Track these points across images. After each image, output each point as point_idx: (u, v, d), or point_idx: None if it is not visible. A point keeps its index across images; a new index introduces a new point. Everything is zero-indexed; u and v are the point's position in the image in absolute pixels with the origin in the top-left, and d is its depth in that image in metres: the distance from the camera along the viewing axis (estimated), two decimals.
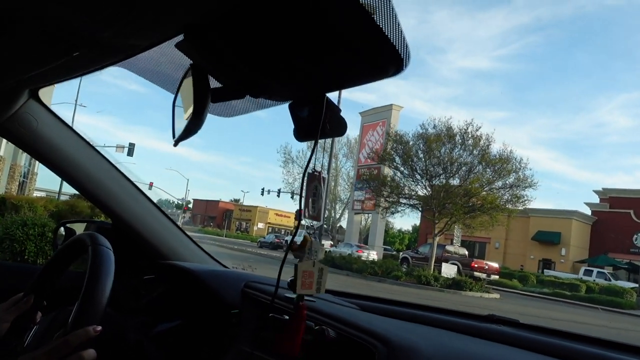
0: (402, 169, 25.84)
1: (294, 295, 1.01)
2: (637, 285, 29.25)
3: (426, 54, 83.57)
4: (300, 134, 0.92)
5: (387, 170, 27.00)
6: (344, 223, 46.64)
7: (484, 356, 1.13)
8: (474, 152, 24.07)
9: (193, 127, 0.82)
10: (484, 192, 23.36)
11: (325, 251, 27.34)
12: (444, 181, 24.35)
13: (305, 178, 0.94)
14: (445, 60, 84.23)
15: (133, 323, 1.47)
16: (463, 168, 24.20)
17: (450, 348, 1.14)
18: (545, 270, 37.87)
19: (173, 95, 0.93)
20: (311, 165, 0.94)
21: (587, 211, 43.86)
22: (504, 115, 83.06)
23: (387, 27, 0.63)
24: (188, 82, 0.83)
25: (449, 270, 23.20)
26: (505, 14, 78.71)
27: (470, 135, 24.11)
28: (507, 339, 1.30)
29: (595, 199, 45.15)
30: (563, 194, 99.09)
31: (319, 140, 0.89)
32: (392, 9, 0.62)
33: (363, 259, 26.62)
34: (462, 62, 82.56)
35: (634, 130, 76.96)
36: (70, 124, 1.67)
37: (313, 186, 0.95)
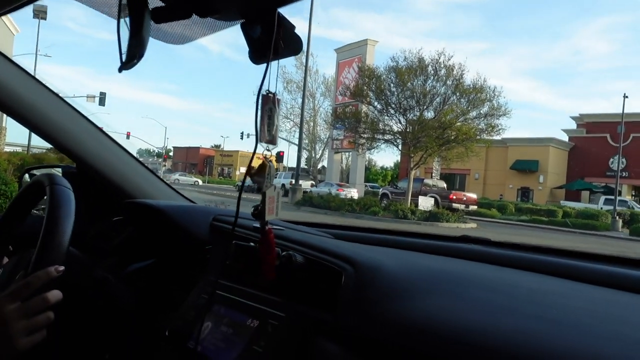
0: (375, 104, 25.38)
1: (258, 224, 1.01)
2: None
3: None
4: (255, 56, 0.88)
5: (364, 107, 26.54)
6: (325, 163, 46.53)
7: (451, 271, 1.14)
8: (447, 82, 23.72)
9: (135, 50, 0.78)
10: (459, 123, 23.13)
11: (304, 191, 27.37)
12: (418, 114, 23.96)
13: (260, 101, 0.89)
14: None
15: (103, 265, 1.44)
16: (437, 99, 23.93)
17: (419, 265, 1.14)
18: (562, 202, 37.98)
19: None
20: (265, 86, 0.89)
21: (565, 138, 44.19)
22: (484, 46, 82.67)
23: None
24: (125, 1, 0.78)
25: (425, 203, 23.42)
26: None
27: (442, 66, 23.61)
28: (477, 256, 1.31)
29: (573, 126, 45.39)
30: (542, 122, 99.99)
31: (275, 62, 0.86)
32: None
33: (342, 197, 26.67)
34: None
35: (611, 55, 77.18)
36: (32, 73, 1.63)
37: (267, 108, 0.91)
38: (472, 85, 23.40)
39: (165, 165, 67.19)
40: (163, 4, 0.82)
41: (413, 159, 23.56)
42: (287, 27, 0.85)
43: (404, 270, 1.04)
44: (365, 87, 25.49)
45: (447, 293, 0.95)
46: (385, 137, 25.37)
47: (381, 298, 0.92)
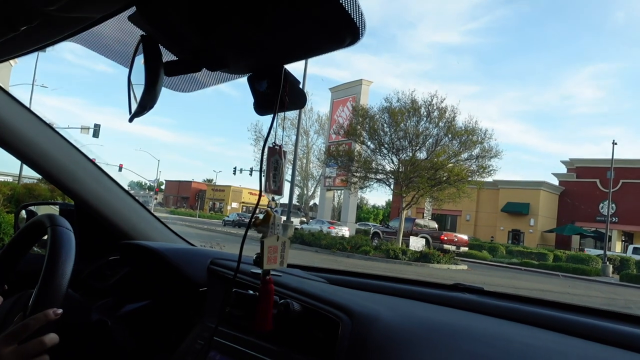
0: (368, 143, 25.75)
1: (259, 270, 1.01)
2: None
3: (397, 29, 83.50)
4: (260, 108, 0.91)
5: (357, 146, 26.79)
6: (317, 200, 46.54)
7: (447, 322, 1.14)
8: (440, 124, 24.03)
9: (147, 102, 0.80)
10: (450, 164, 23.35)
11: (295, 228, 27.27)
12: (410, 154, 24.37)
13: (266, 152, 0.93)
14: (416, 35, 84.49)
15: (98, 305, 1.44)
16: (429, 140, 24.23)
17: (414, 315, 1.14)
18: (586, 249, 37.91)
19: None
20: (271, 138, 0.92)
21: (555, 182, 44.62)
22: (475, 90, 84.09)
23: None
24: (140, 56, 0.81)
25: (416, 243, 23.38)
26: None
27: (435, 107, 24.13)
28: (471, 306, 1.31)
29: (563, 170, 45.90)
30: (533, 165, 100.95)
31: (281, 114, 0.88)
32: None
33: (333, 234, 26.61)
34: (432, 36, 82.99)
35: (600, 101, 78.45)
36: (27, 105, 1.63)
37: (274, 160, 0.93)
38: (463, 127, 23.74)
39: (156, 199, 66.74)
40: (175, 58, 0.85)
41: (405, 198, 23.65)
42: (293, 83, 0.87)
43: (400, 321, 1.04)
44: (359, 127, 25.76)
45: (444, 346, 0.95)
46: (378, 177, 25.53)
47: (378, 350, 0.93)
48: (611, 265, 28.09)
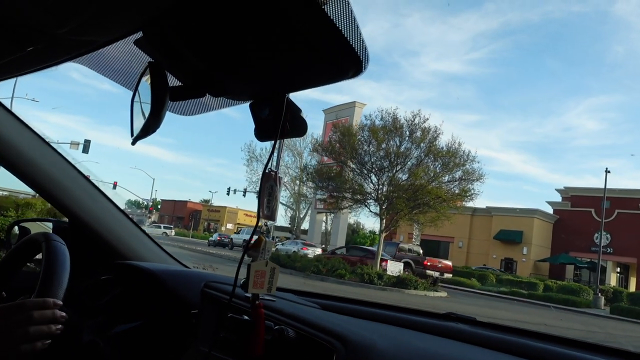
0: (348, 162, 24.78)
1: (251, 295, 1.02)
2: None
3: (400, 57, 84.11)
4: (261, 134, 0.92)
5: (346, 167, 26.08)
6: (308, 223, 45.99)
7: (440, 353, 1.15)
8: (421, 144, 23.38)
9: (151, 125, 0.81)
10: (430, 186, 22.63)
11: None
12: (391, 175, 23.55)
13: (263, 178, 0.95)
14: (419, 63, 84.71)
15: (90, 324, 1.43)
16: (410, 161, 23.57)
17: (408, 345, 1.15)
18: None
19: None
20: (271, 165, 0.95)
21: (550, 210, 43.85)
22: (477, 118, 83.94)
23: (346, 29, 0.65)
24: (146, 80, 0.82)
25: (394, 267, 22.65)
26: (476, 18, 79.40)
27: (417, 127, 23.32)
28: (464, 336, 1.32)
29: (558, 198, 45.19)
30: (535, 196, 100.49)
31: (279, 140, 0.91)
32: (351, 11, 0.64)
33: (304, 254, 26.17)
34: (434, 65, 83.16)
35: (601, 133, 78.38)
36: (23, 120, 1.62)
37: (269, 186, 0.95)
38: (445, 149, 23.10)
39: (150, 217, 66.38)
40: (180, 84, 0.86)
41: (384, 221, 22.95)
42: (294, 111, 0.89)
43: (395, 351, 1.04)
44: (338, 145, 25.21)
45: None
46: (356, 197, 24.77)
47: None
48: (603, 297, 27.19)
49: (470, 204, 25.61)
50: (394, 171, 23.53)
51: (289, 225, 49.40)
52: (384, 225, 22.89)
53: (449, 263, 28.87)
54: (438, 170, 23.15)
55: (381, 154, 23.53)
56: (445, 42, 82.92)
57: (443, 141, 23.59)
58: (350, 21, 0.64)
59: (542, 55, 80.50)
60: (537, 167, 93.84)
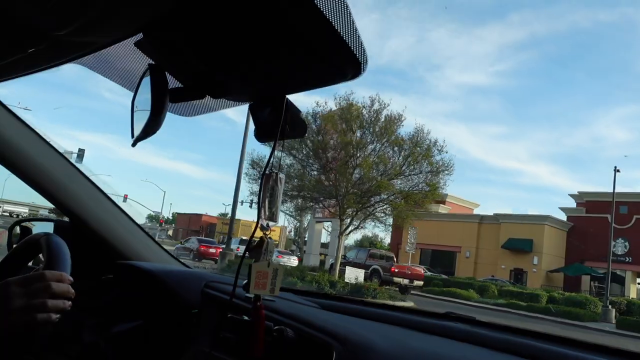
0: (295, 153, 22.40)
1: (253, 296, 1.01)
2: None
3: (425, 71, 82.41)
4: (261, 135, 0.93)
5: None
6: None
7: (439, 353, 1.15)
8: (376, 129, 20.97)
9: (151, 127, 0.82)
10: (382, 180, 20.24)
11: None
12: (348, 169, 21.11)
13: (263, 179, 0.92)
14: (443, 76, 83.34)
15: (90, 324, 1.44)
16: (369, 152, 21.07)
17: (407, 345, 1.15)
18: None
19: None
20: (272, 166, 0.93)
21: (563, 216, 40.69)
22: (503, 130, 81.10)
23: (344, 31, 0.66)
24: (147, 82, 0.83)
25: (353, 274, 20.68)
26: (500, 30, 77.72)
27: (377, 113, 20.97)
28: (463, 336, 1.32)
29: (573, 204, 42.00)
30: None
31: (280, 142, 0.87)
32: (349, 14, 0.65)
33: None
34: (459, 77, 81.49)
35: (632, 143, 74.47)
36: (23, 120, 1.62)
37: (269, 187, 0.94)
38: (407, 138, 20.92)
39: (162, 229, 66.09)
40: (180, 85, 0.87)
41: (343, 221, 20.82)
42: (294, 112, 0.89)
43: (395, 351, 1.04)
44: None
45: None
46: (314, 196, 22.43)
47: None
48: (614, 310, 24.07)
49: (477, 211, 23.27)
50: (353, 164, 21.06)
51: (293, 237, 48.00)
52: (344, 227, 20.78)
53: (420, 270, 27.01)
54: (400, 161, 20.82)
55: (333, 143, 21.19)
56: (470, 55, 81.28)
57: (405, 130, 20.85)
58: (348, 24, 0.65)
59: (569, 65, 78.70)
60: (567, 179, 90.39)
